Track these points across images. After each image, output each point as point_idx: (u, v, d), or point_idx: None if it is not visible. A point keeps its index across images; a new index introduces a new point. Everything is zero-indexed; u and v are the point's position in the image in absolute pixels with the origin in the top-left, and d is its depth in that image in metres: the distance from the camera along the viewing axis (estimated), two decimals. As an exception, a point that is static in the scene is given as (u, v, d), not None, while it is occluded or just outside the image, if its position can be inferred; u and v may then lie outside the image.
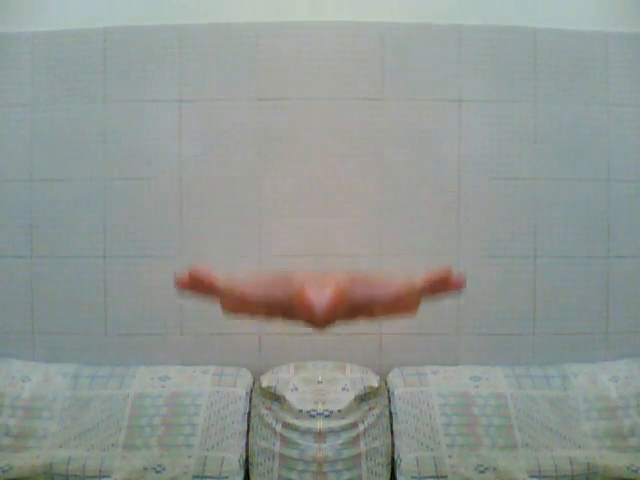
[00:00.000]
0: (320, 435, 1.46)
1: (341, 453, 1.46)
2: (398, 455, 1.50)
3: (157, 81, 1.74)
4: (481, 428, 1.51)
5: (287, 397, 1.51)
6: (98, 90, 1.74)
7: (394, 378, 1.65)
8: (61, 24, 1.74)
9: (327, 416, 1.48)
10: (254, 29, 1.73)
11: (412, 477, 1.45)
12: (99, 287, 1.75)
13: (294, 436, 1.47)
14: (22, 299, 1.75)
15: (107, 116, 1.74)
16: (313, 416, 1.48)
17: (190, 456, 1.47)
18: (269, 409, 1.54)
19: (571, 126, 1.75)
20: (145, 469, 1.45)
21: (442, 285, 0.55)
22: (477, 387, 1.60)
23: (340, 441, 1.46)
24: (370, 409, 1.54)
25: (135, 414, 1.54)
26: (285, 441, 1.48)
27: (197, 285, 0.56)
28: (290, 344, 1.70)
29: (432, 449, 1.48)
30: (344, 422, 1.48)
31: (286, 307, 0.55)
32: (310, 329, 0.53)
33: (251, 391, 1.64)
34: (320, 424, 1.47)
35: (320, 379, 1.57)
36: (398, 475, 1.48)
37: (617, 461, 1.45)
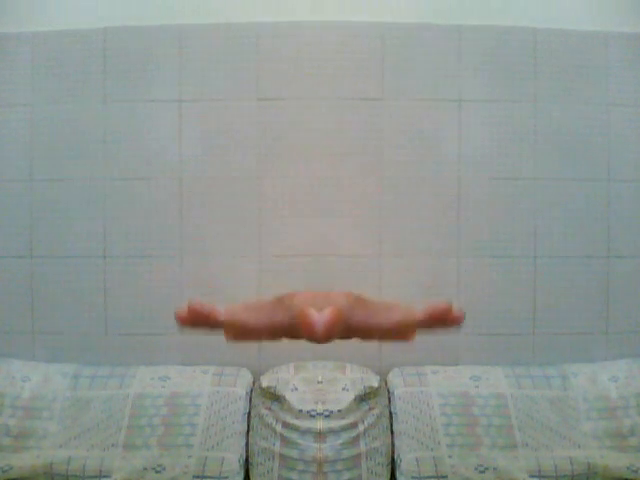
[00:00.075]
0: (320, 435, 1.46)
1: (341, 453, 1.46)
2: (398, 455, 1.50)
3: (157, 81, 1.74)
4: (481, 428, 1.51)
5: (287, 397, 1.51)
6: (98, 90, 1.74)
7: (394, 378, 1.65)
8: (61, 24, 1.74)
9: (327, 416, 1.48)
10: (254, 29, 1.73)
11: (412, 477, 1.45)
12: (99, 287, 1.75)
13: (294, 436, 1.47)
14: (22, 299, 1.75)
15: (107, 116, 1.74)
16: (313, 416, 1.48)
17: (190, 456, 1.47)
18: (269, 409, 1.54)
19: (571, 126, 1.75)
20: (145, 469, 1.45)
21: (442, 319, 0.55)
22: (477, 387, 1.60)
23: (340, 441, 1.47)
24: (370, 409, 1.54)
25: (135, 414, 1.54)
26: (285, 441, 1.48)
27: (198, 319, 0.56)
28: (290, 344, 1.70)
29: (432, 449, 1.48)
30: (344, 422, 1.48)
31: (288, 328, 0.56)
32: (311, 343, 0.54)
33: (251, 391, 1.64)
34: (320, 424, 1.47)
35: (320, 379, 1.57)
36: (398, 475, 1.48)
37: (617, 461, 1.45)
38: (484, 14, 1.75)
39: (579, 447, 1.49)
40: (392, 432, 1.56)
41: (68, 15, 1.75)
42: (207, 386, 1.60)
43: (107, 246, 1.75)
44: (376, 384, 1.58)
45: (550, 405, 1.57)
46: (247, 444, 1.54)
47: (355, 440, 1.48)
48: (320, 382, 1.56)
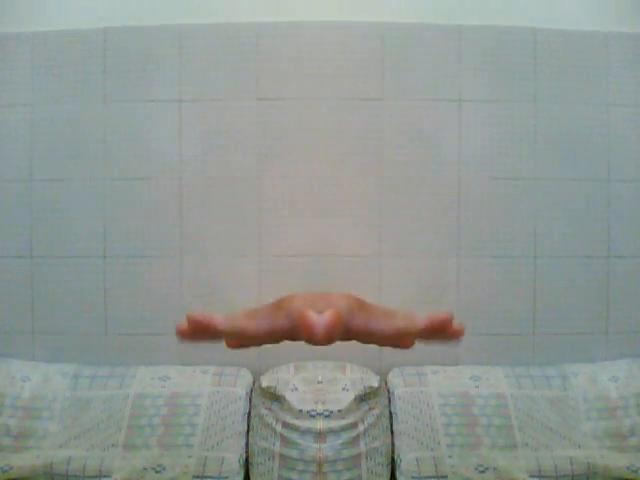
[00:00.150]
0: (320, 435, 1.46)
1: (341, 453, 1.46)
2: (398, 455, 1.50)
3: (157, 81, 1.74)
4: (481, 428, 1.51)
5: (287, 397, 1.51)
6: (98, 90, 1.74)
7: (394, 378, 1.65)
8: (61, 24, 1.74)
9: (327, 416, 1.48)
10: (254, 29, 1.73)
11: (412, 477, 1.45)
12: (99, 287, 1.75)
13: (294, 436, 1.47)
14: (22, 299, 1.76)
15: (107, 116, 1.74)
16: (313, 416, 1.48)
17: (190, 456, 1.47)
18: (269, 409, 1.54)
19: (571, 126, 1.75)
20: (145, 469, 1.45)
21: (442, 330, 0.55)
22: (477, 387, 1.60)
23: (340, 441, 1.47)
24: (370, 409, 1.54)
25: (135, 414, 1.54)
26: (285, 441, 1.48)
27: (198, 331, 0.56)
28: (290, 344, 1.70)
29: (432, 449, 1.48)
30: (344, 422, 1.48)
31: (288, 331, 0.56)
32: (311, 345, 0.54)
33: (251, 391, 1.64)
34: (320, 424, 1.47)
35: (320, 379, 1.57)
36: (398, 475, 1.48)
37: (617, 461, 1.45)
38: (484, 14, 1.75)
39: (579, 447, 1.49)
40: (392, 432, 1.56)
41: (68, 15, 1.75)
42: (207, 386, 1.60)
43: (107, 246, 1.75)
44: (376, 384, 1.58)
45: (550, 405, 1.57)
46: (247, 444, 1.54)
47: (355, 440, 1.48)
48: (320, 382, 1.56)
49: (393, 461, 1.53)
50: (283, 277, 1.73)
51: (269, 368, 1.66)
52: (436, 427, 1.51)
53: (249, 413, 1.59)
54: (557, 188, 1.76)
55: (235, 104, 1.74)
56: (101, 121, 1.74)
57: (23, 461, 1.45)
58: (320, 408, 1.49)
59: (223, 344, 0.59)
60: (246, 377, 1.66)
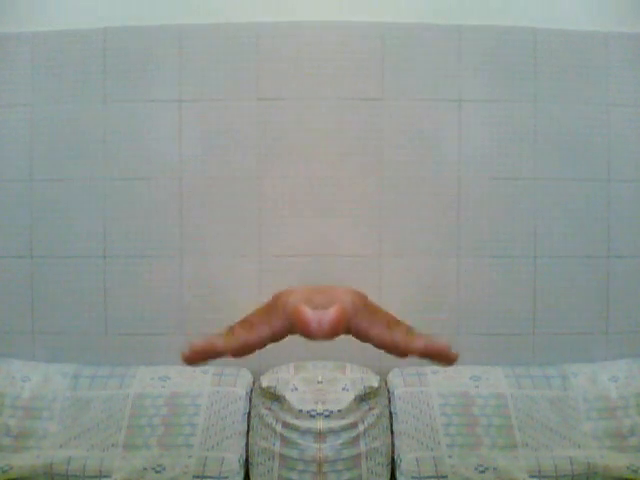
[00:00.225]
0: (320, 435, 1.46)
1: (341, 453, 1.46)
2: (398, 455, 1.50)
3: (157, 81, 1.74)
4: (481, 428, 1.51)
5: (287, 397, 1.51)
6: (98, 90, 1.74)
7: (394, 378, 1.65)
8: (61, 24, 1.74)
9: (327, 416, 1.48)
10: (254, 29, 1.73)
11: (412, 477, 1.45)
12: (99, 287, 1.75)
13: (294, 436, 1.47)
14: (22, 299, 1.75)
15: (107, 116, 1.74)
16: (313, 416, 1.48)
17: (190, 456, 1.47)
18: (269, 409, 1.54)
19: (571, 126, 1.75)
20: (145, 469, 1.45)
21: (436, 357, 0.56)
22: (477, 387, 1.60)
23: (340, 441, 1.46)
24: (370, 409, 1.54)
25: (135, 414, 1.54)
26: (285, 441, 1.48)
27: (201, 356, 0.57)
28: (290, 344, 1.70)
29: (432, 449, 1.48)
30: (344, 422, 1.48)
31: (288, 328, 0.56)
32: (311, 342, 0.55)
33: (251, 391, 1.64)
34: (320, 424, 1.47)
35: (320, 379, 1.57)
36: (398, 475, 1.48)
37: (617, 461, 1.45)
38: (484, 14, 1.75)
39: (579, 447, 1.49)
40: (392, 432, 1.55)
41: (68, 15, 1.75)
42: (207, 386, 1.60)
43: (107, 246, 1.75)
44: (376, 384, 1.58)
45: (550, 405, 1.57)
46: (247, 444, 1.54)
47: (355, 440, 1.48)
48: (320, 382, 1.56)
49: (393, 461, 1.53)
50: (283, 277, 1.73)
51: (269, 368, 1.66)
52: (436, 427, 1.51)
53: (249, 413, 1.59)
54: (557, 188, 1.76)
55: (235, 104, 1.74)
56: (101, 121, 1.74)
57: (23, 461, 1.45)
58: (320, 408, 1.49)
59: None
60: (246, 377, 1.66)
